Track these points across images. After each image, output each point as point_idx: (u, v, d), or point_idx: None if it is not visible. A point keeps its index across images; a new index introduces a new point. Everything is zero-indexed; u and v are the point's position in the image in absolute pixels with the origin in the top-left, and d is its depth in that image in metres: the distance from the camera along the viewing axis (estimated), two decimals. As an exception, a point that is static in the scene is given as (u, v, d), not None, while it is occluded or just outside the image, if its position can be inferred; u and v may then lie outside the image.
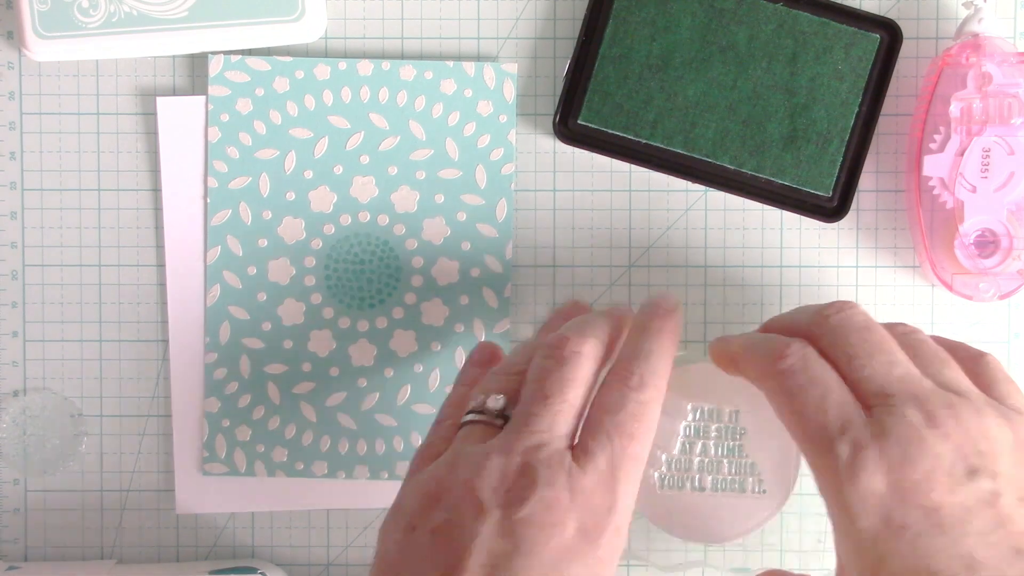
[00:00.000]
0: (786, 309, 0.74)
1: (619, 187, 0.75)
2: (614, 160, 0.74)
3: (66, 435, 0.75)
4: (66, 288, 0.75)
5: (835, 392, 0.58)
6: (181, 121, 0.74)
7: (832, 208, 0.73)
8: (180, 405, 0.74)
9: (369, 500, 0.74)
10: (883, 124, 0.74)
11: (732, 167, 0.72)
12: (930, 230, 0.72)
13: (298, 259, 0.74)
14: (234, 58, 0.73)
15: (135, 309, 0.75)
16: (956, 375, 0.59)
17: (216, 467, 0.74)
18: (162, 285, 0.75)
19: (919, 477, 0.55)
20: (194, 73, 0.74)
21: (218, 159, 0.73)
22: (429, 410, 0.74)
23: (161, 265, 0.75)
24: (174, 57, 0.74)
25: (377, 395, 0.74)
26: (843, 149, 0.72)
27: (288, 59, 0.73)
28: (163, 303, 0.75)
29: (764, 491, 0.68)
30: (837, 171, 0.72)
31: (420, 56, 0.74)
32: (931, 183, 0.71)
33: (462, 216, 0.73)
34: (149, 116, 0.74)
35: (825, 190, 0.72)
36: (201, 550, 0.75)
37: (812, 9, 0.72)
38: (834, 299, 0.74)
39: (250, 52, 0.73)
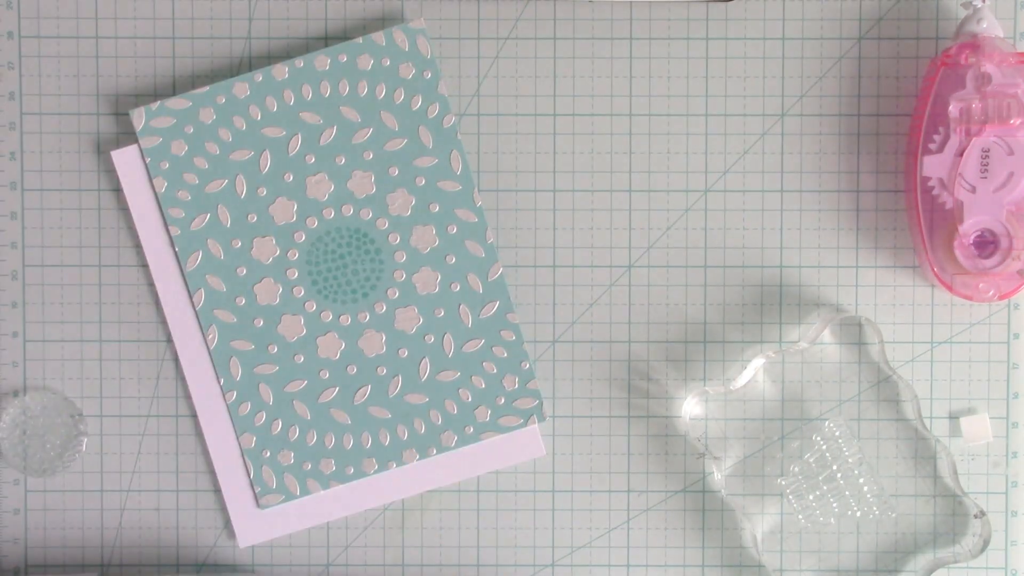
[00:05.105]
0: (786, 309, 0.74)
1: (619, 187, 0.75)
2: (614, 159, 0.74)
3: (66, 435, 0.75)
4: (66, 288, 0.75)
5: None
6: (138, 170, 0.74)
7: None
8: (216, 446, 0.74)
9: (420, 484, 0.74)
10: (883, 124, 0.74)
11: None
12: (930, 230, 0.72)
13: (280, 275, 0.74)
14: (153, 106, 0.73)
15: (135, 309, 0.75)
16: None
17: (271, 498, 0.74)
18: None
19: None
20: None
21: (172, 206, 0.73)
22: (453, 375, 0.74)
23: (161, 265, 0.75)
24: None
25: (399, 377, 0.74)
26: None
27: (204, 89, 0.73)
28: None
29: None
30: None
31: (326, 38, 0.74)
32: (930, 183, 0.71)
33: (423, 183, 0.74)
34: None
35: None
36: (201, 551, 0.75)
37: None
38: (834, 300, 0.74)
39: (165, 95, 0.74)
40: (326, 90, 0.73)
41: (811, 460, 0.74)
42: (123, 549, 0.76)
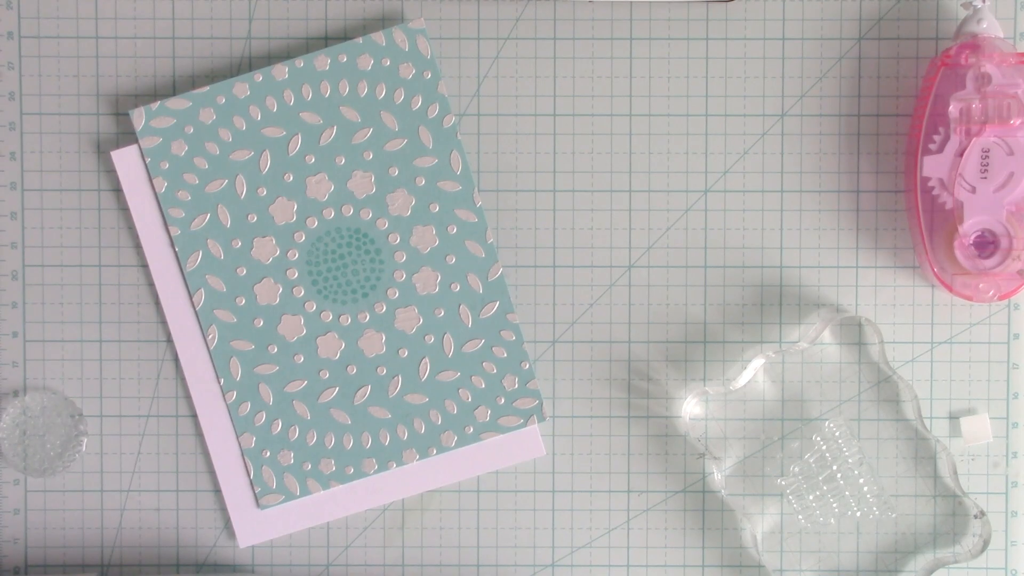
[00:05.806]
0: (786, 309, 0.74)
1: (619, 187, 0.75)
2: (614, 159, 0.74)
3: (66, 435, 0.75)
4: (66, 288, 0.75)
5: None
6: (137, 170, 0.74)
7: None
8: (216, 446, 0.74)
9: (420, 484, 0.74)
10: (883, 124, 0.74)
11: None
12: (930, 230, 0.72)
13: (280, 275, 0.74)
14: (153, 106, 0.73)
15: (135, 309, 0.75)
16: None
17: (271, 498, 0.74)
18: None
19: None
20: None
21: (172, 207, 0.73)
22: (453, 375, 0.74)
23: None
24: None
25: (399, 377, 0.74)
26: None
27: (204, 89, 0.73)
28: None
29: None
30: None
31: (326, 38, 0.74)
32: (930, 183, 0.71)
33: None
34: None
35: None
36: (201, 551, 0.75)
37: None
38: (834, 300, 0.74)
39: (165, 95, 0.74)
40: (326, 90, 0.73)
41: (811, 460, 0.74)
42: (123, 549, 0.76)
